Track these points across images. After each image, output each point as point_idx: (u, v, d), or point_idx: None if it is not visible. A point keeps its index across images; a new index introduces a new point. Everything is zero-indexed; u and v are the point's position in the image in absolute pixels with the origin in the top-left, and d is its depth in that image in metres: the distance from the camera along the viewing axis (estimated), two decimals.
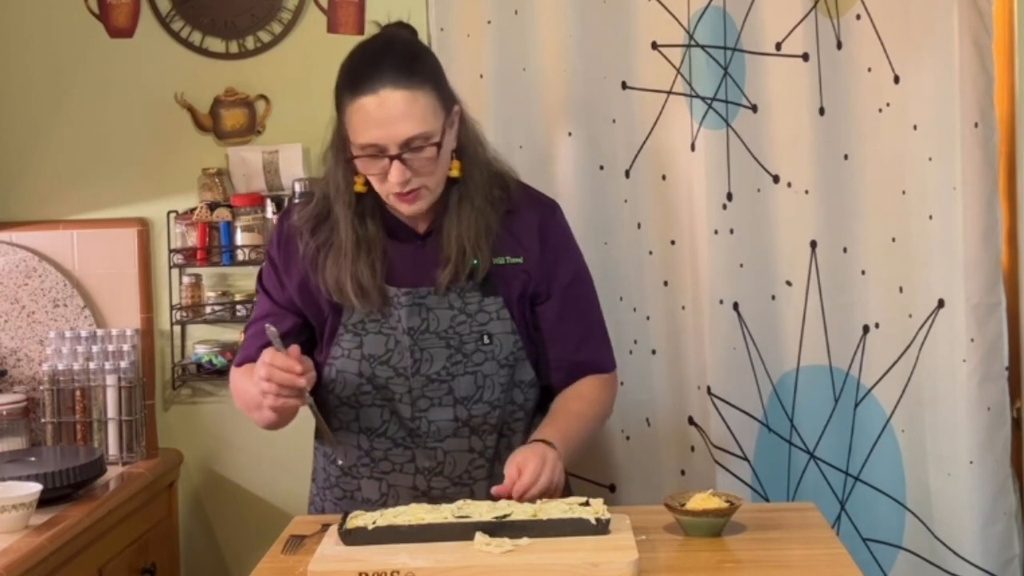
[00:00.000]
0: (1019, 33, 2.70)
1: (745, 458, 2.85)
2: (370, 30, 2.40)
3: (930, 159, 2.68)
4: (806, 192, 2.81)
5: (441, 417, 2.31)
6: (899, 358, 2.76)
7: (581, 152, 2.94)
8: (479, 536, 1.98)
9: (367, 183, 2.26)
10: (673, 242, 2.91)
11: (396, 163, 2.18)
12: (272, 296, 2.40)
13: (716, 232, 2.82)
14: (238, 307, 3.10)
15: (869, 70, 2.76)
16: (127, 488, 2.83)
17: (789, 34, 2.79)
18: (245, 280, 3.10)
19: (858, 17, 2.76)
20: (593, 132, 2.94)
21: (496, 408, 2.33)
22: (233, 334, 3.09)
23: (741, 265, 2.84)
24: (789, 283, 2.85)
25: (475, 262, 2.28)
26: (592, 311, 2.43)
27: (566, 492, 2.24)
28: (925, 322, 2.71)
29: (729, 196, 2.83)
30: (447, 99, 2.26)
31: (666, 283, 2.93)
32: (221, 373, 3.05)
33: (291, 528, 2.22)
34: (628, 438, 2.99)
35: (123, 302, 3.14)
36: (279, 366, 2.13)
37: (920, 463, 2.75)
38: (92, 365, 3.02)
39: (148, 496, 2.95)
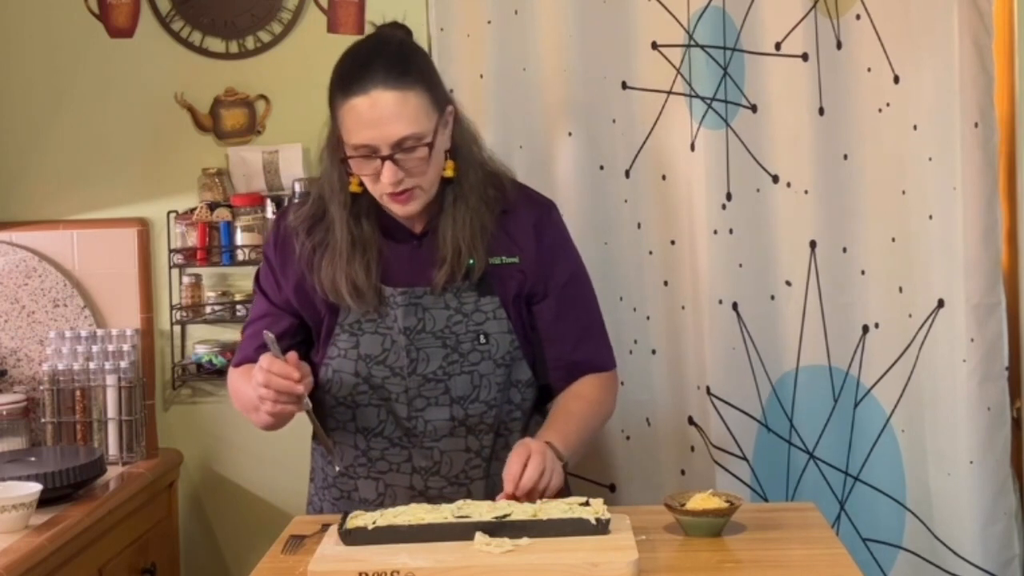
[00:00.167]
0: (1019, 33, 2.70)
1: (744, 458, 2.85)
2: (369, 31, 2.40)
3: (930, 159, 2.68)
4: (806, 192, 2.81)
5: (437, 417, 2.32)
6: (899, 358, 2.77)
7: (581, 152, 2.94)
8: (479, 536, 1.98)
9: (362, 183, 2.27)
10: (673, 242, 2.91)
11: (388, 164, 2.19)
12: (269, 296, 2.40)
13: (716, 232, 2.83)
14: (238, 307, 3.10)
15: (869, 70, 2.76)
16: (127, 488, 2.83)
17: (789, 34, 2.79)
18: (245, 280, 3.10)
19: (858, 17, 2.76)
20: (593, 132, 2.94)
21: (493, 408, 2.33)
22: (233, 334, 3.08)
23: (741, 265, 2.84)
24: (789, 283, 2.85)
25: (471, 262, 2.29)
26: (589, 310, 2.43)
27: (566, 492, 2.24)
28: (925, 322, 2.71)
29: (729, 196, 2.83)
30: (440, 99, 2.26)
31: (666, 283, 2.93)
32: (221, 373, 3.05)
33: (291, 528, 2.22)
34: (628, 438, 2.99)
35: (123, 302, 3.14)
36: (277, 373, 2.13)
37: (920, 463, 2.75)
38: (92, 365, 3.02)
39: (148, 496, 2.95)
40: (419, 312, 2.30)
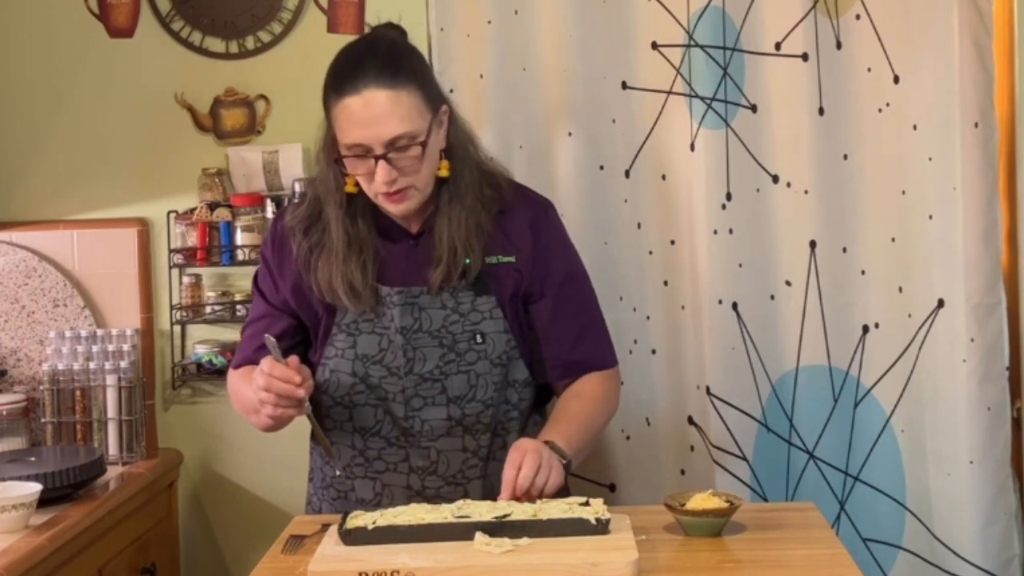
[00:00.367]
0: (1019, 33, 2.70)
1: (744, 458, 2.85)
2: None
3: (930, 159, 2.68)
4: (805, 192, 2.81)
5: (434, 416, 2.32)
6: (899, 358, 2.77)
7: (581, 152, 2.94)
8: (479, 536, 1.98)
9: (358, 184, 2.27)
10: (673, 242, 2.91)
11: (382, 163, 2.19)
12: (267, 297, 2.40)
13: (716, 232, 2.83)
14: (238, 307, 3.10)
15: (869, 70, 2.76)
16: (127, 488, 2.83)
17: (789, 34, 2.79)
18: (245, 280, 3.10)
19: (858, 17, 2.76)
20: (593, 132, 2.94)
21: (489, 407, 2.33)
22: (233, 334, 3.08)
23: (740, 265, 2.84)
24: (788, 283, 2.85)
25: (467, 261, 2.29)
26: (587, 309, 2.43)
27: (566, 492, 2.24)
28: (925, 322, 2.71)
29: (728, 196, 2.83)
30: (434, 98, 2.26)
31: (666, 283, 2.93)
32: (221, 373, 3.05)
33: (291, 528, 2.22)
34: (628, 438, 2.99)
35: (123, 302, 3.14)
36: (278, 376, 2.13)
37: (920, 463, 2.75)
38: (92, 365, 3.02)
39: (148, 496, 2.95)
40: (416, 312, 2.31)
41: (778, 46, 2.80)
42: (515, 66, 2.94)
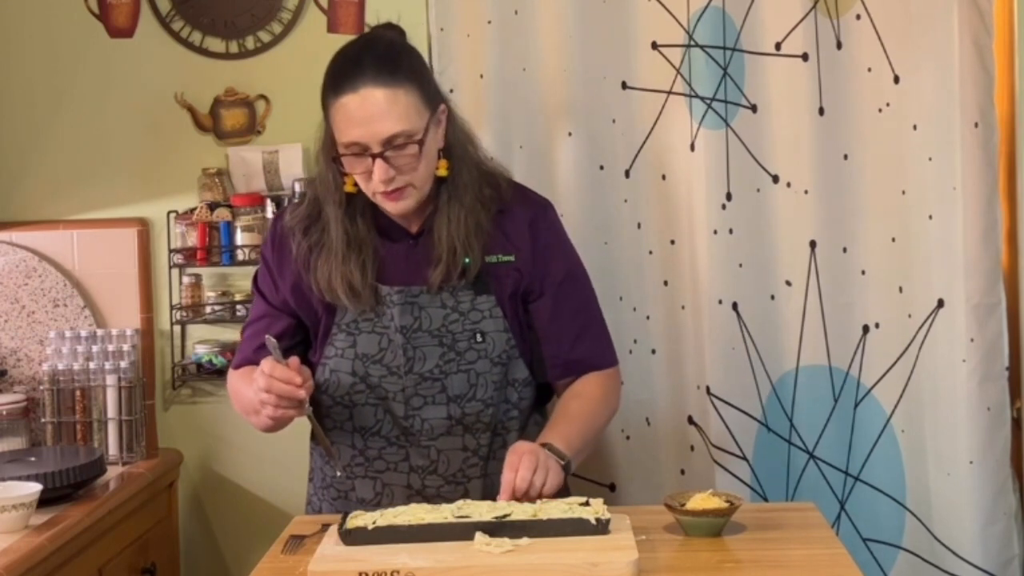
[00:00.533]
0: (1019, 33, 2.70)
1: (744, 458, 2.85)
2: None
3: (930, 159, 2.68)
4: (806, 192, 2.81)
5: (434, 415, 2.32)
6: (899, 358, 2.77)
7: (581, 152, 2.94)
8: (479, 536, 1.98)
9: (357, 183, 2.27)
10: (673, 242, 2.91)
11: (379, 161, 2.19)
12: (267, 297, 2.40)
13: (716, 232, 2.83)
14: (238, 307, 3.10)
15: (869, 70, 2.76)
16: (127, 488, 2.83)
17: (789, 34, 2.79)
18: (245, 280, 3.10)
19: (858, 17, 2.76)
20: (593, 132, 2.94)
21: (489, 406, 2.33)
22: (233, 334, 3.08)
23: (740, 265, 2.84)
24: (788, 283, 2.85)
25: (466, 261, 2.29)
26: (587, 308, 2.43)
27: (566, 492, 2.24)
28: (925, 322, 2.71)
29: (728, 196, 2.83)
30: (431, 97, 2.27)
31: (666, 283, 2.93)
32: (221, 373, 3.05)
33: (291, 528, 2.22)
34: (628, 438, 2.99)
35: (123, 302, 3.14)
36: (279, 377, 2.14)
37: (920, 463, 2.75)
38: (92, 365, 3.02)
39: (148, 496, 2.95)
40: (415, 311, 2.31)
41: (778, 46, 2.80)
42: (515, 66, 2.94)
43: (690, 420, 2.94)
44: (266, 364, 2.16)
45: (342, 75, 2.22)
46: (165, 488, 3.09)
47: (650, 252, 2.93)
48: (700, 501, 2.13)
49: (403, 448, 2.34)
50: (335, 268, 2.29)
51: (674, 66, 2.86)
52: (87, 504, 2.64)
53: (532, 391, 2.40)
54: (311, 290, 2.33)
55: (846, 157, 2.79)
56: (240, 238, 3.08)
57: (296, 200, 2.72)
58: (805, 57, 2.78)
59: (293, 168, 3.08)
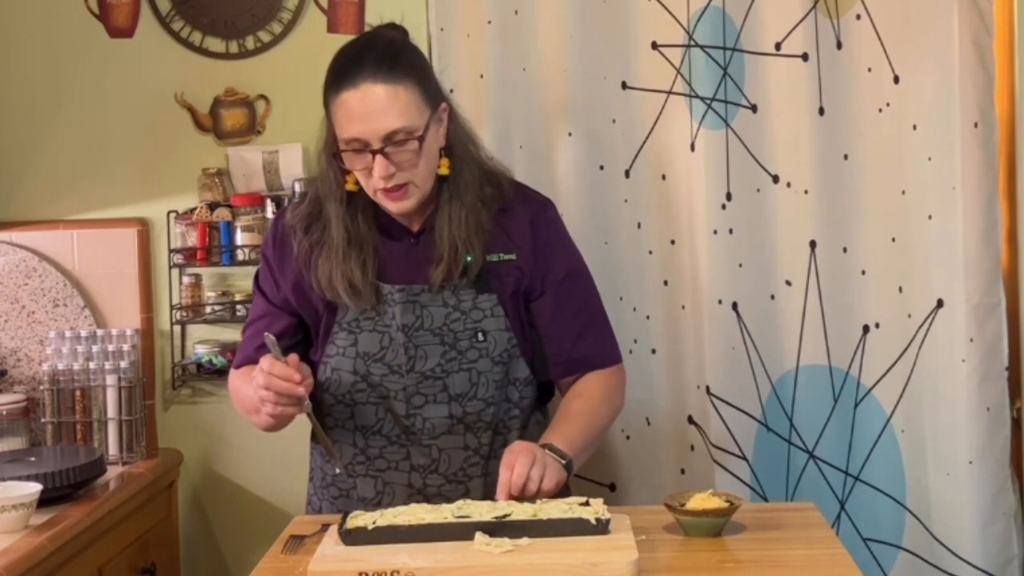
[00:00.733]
0: (1019, 33, 2.70)
1: (744, 458, 2.85)
2: None
3: (929, 159, 2.68)
4: (806, 192, 2.81)
5: (436, 414, 2.32)
6: (899, 358, 2.77)
7: (581, 152, 2.94)
8: (479, 536, 1.98)
9: (358, 182, 2.27)
10: (673, 242, 2.91)
11: (379, 157, 2.20)
12: (268, 296, 2.41)
13: (715, 232, 2.83)
14: (238, 307, 3.10)
15: (869, 70, 2.76)
16: (127, 488, 2.83)
17: (789, 34, 2.79)
18: (245, 280, 3.10)
19: (858, 17, 2.76)
20: (593, 132, 2.94)
21: (491, 405, 2.33)
22: (233, 334, 3.08)
23: (740, 265, 2.84)
24: (788, 283, 2.85)
25: (468, 259, 2.29)
26: (589, 307, 2.43)
27: (566, 492, 2.24)
28: (925, 322, 2.71)
29: (728, 196, 2.83)
30: (432, 95, 2.27)
31: (666, 283, 2.93)
32: (221, 373, 3.05)
33: (291, 528, 2.22)
34: (628, 437, 2.99)
35: (123, 302, 3.14)
36: (278, 375, 2.14)
37: (920, 463, 2.75)
38: (92, 365, 3.02)
39: (148, 496, 2.95)
40: (417, 309, 2.31)
41: (778, 46, 2.80)
42: (515, 66, 2.94)
43: (690, 420, 2.94)
44: (265, 361, 2.16)
45: (343, 71, 2.23)
46: (165, 488, 3.09)
47: (650, 252, 2.93)
48: (700, 501, 2.13)
49: (404, 447, 2.34)
50: (336, 266, 2.29)
51: (674, 66, 2.86)
52: (87, 504, 2.64)
53: (533, 390, 2.40)
54: (312, 288, 2.33)
55: (846, 157, 2.79)
56: (240, 238, 3.08)
57: (297, 199, 2.73)
58: (805, 57, 2.78)
59: (293, 168, 3.08)
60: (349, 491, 2.38)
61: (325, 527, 2.14)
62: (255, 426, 2.31)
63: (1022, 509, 2.72)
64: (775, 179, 2.84)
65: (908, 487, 2.78)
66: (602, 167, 2.95)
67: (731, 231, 2.83)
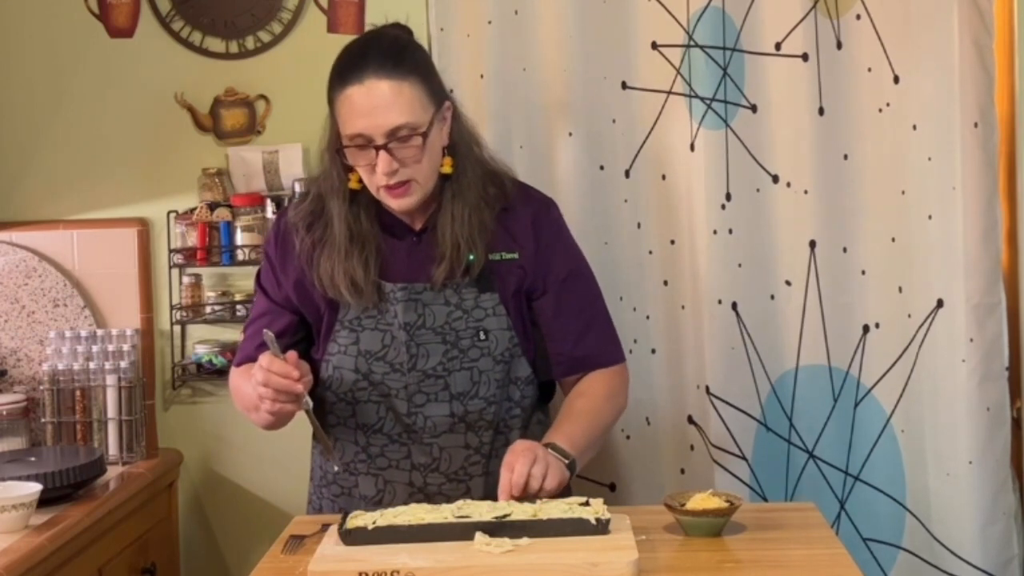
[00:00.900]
0: (1019, 33, 2.70)
1: (744, 458, 2.85)
2: None
3: (929, 159, 2.68)
4: (805, 192, 2.81)
5: (437, 413, 2.32)
6: (899, 358, 2.77)
7: (581, 152, 2.94)
8: (479, 536, 1.98)
9: (361, 180, 2.28)
10: (673, 242, 2.92)
11: (383, 153, 2.20)
12: (269, 294, 2.41)
13: (715, 232, 2.83)
14: (238, 307, 3.10)
15: (869, 70, 2.76)
16: (127, 488, 2.83)
17: (789, 34, 2.79)
18: (245, 280, 3.10)
19: (858, 17, 2.76)
20: (593, 132, 2.94)
21: (492, 404, 2.33)
22: (233, 334, 3.08)
23: (740, 265, 2.84)
24: (788, 283, 2.85)
25: (470, 258, 2.29)
26: (591, 306, 2.43)
27: (566, 492, 2.24)
28: (924, 322, 2.71)
29: (728, 196, 2.83)
30: (437, 93, 2.28)
31: (666, 283, 2.93)
32: (221, 373, 3.05)
33: (291, 528, 2.22)
34: (628, 437, 2.99)
35: (123, 302, 3.14)
36: (276, 372, 2.14)
37: (920, 463, 2.75)
38: (92, 365, 3.02)
39: (148, 496, 2.95)
40: (419, 308, 2.31)
41: (778, 46, 2.80)
42: (515, 66, 2.94)
43: (690, 420, 2.94)
44: (264, 358, 2.16)
45: (348, 67, 2.24)
46: (165, 488, 3.09)
47: (650, 252, 2.94)
48: (700, 501, 2.13)
49: (405, 445, 2.34)
50: (338, 264, 2.30)
51: (674, 66, 2.86)
52: (87, 504, 2.64)
53: (535, 389, 2.41)
54: (314, 286, 2.33)
55: (846, 157, 2.79)
56: (240, 238, 3.08)
57: (299, 197, 2.73)
58: (805, 57, 2.78)
59: (293, 168, 3.08)
60: (350, 489, 2.39)
61: (325, 527, 2.14)
62: (255, 424, 2.31)
63: (1022, 509, 2.72)
64: (775, 179, 2.84)
65: (908, 487, 2.78)
66: (602, 167, 2.95)
67: (731, 231, 2.83)
